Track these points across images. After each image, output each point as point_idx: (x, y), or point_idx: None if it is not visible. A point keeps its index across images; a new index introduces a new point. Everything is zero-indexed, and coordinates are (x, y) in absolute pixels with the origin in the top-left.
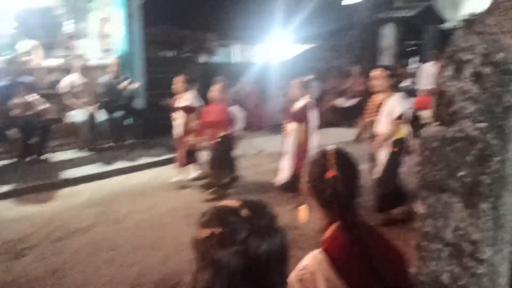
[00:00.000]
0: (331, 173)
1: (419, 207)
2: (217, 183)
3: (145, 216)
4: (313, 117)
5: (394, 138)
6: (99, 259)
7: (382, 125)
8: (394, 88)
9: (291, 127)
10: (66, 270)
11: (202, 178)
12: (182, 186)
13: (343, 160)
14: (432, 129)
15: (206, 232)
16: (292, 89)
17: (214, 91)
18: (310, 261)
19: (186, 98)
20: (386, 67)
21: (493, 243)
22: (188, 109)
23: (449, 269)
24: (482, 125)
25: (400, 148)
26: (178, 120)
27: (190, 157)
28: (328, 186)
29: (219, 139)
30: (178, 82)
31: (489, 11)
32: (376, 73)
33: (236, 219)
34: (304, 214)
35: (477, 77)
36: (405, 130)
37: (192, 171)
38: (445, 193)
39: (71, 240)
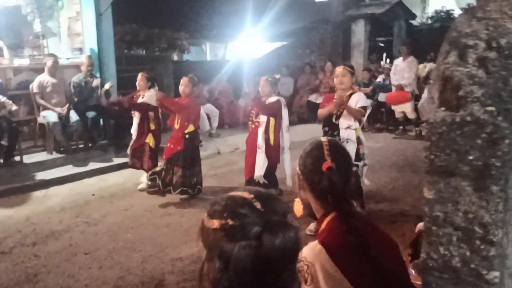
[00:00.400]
0: (326, 164)
1: (427, 193)
2: (187, 183)
3: (121, 218)
4: (285, 115)
5: (356, 135)
6: (76, 262)
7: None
8: (362, 84)
9: (263, 119)
10: (44, 274)
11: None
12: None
13: (337, 151)
14: (439, 114)
15: (215, 223)
16: (262, 86)
17: (182, 85)
18: (308, 253)
19: (145, 95)
20: (348, 65)
21: (502, 226)
22: (144, 107)
23: (460, 252)
24: (490, 108)
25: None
26: (135, 119)
27: (152, 160)
28: (324, 177)
29: (187, 136)
30: (141, 78)
31: None
32: (339, 70)
33: (248, 212)
34: (298, 208)
35: (482, 62)
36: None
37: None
38: (455, 177)
39: (46, 245)
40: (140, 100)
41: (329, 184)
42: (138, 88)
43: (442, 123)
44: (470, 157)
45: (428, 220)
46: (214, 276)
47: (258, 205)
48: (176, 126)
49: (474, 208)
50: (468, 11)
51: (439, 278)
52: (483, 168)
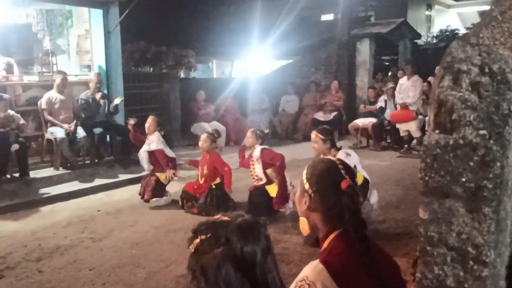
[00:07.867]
0: (346, 183)
1: (422, 213)
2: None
3: (126, 234)
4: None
5: None
6: (80, 278)
7: None
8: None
9: (260, 174)
10: None
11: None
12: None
13: (349, 169)
14: (433, 137)
15: (196, 242)
16: (247, 137)
17: (201, 140)
18: (310, 272)
19: (153, 142)
20: (320, 131)
21: (495, 246)
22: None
23: (454, 273)
24: (482, 132)
25: None
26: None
27: (156, 192)
28: (345, 196)
29: (214, 186)
30: (151, 122)
31: (483, 24)
32: (312, 136)
33: (221, 224)
34: (305, 227)
35: (475, 86)
36: None
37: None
38: (448, 198)
39: (51, 260)
40: (148, 147)
41: (351, 202)
42: (147, 130)
43: (436, 146)
44: (463, 179)
45: (423, 240)
46: None
47: (231, 219)
48: (201, 181)
49: (467, 229)
50: (462, 37)
51: None
52: (476, 189)
